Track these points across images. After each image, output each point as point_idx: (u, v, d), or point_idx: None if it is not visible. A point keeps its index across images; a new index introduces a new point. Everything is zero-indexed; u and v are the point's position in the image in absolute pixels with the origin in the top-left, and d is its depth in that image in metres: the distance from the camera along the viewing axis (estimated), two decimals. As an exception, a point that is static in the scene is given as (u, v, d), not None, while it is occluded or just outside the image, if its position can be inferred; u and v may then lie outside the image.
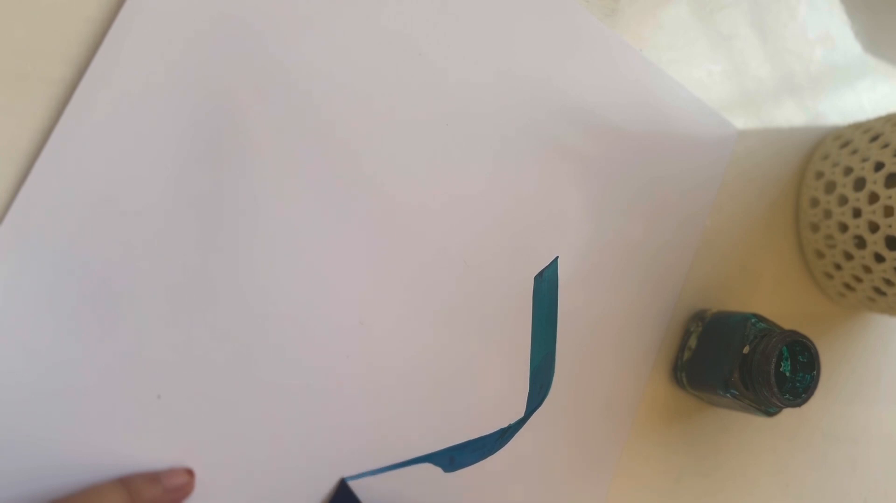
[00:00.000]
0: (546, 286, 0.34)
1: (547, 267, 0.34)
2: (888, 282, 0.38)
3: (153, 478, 0.25)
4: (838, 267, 0.41)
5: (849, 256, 0.40)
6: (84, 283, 0.24)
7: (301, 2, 0.27)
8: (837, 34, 0.44)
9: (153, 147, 0.25)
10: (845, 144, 0.41)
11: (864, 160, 0.38)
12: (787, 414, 0.42)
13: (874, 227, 0.37)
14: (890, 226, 0.36)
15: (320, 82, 0.27)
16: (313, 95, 0.27)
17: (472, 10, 0.30)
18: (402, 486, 0.31)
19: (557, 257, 0.34)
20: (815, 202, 0.42)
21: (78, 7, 0.24)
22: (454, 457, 0.29)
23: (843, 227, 0.39)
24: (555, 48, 0.33)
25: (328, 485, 0.30)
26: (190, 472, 0.26)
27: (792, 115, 0.42)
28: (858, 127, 0.41)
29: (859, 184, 0.38)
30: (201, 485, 0.27)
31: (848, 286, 0.42)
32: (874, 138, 0.39)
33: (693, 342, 0.38)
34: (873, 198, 0.37)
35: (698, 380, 0.38)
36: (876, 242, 0.37)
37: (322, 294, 0.28)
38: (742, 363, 0.35)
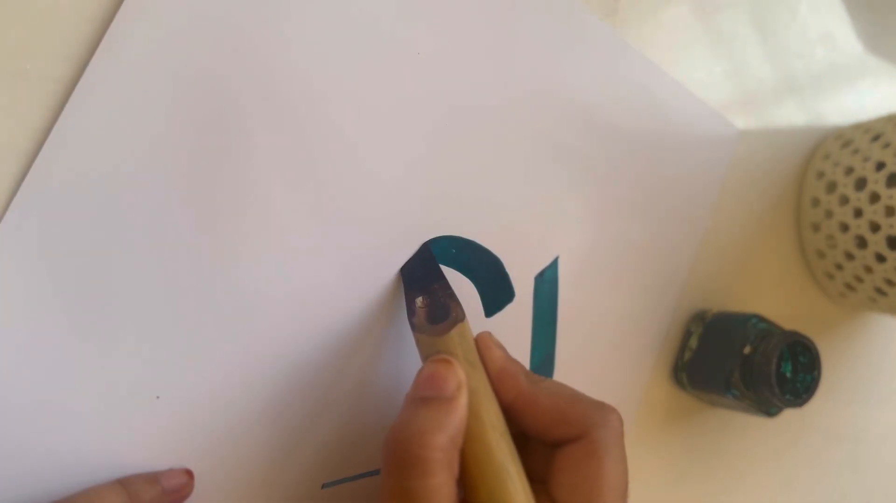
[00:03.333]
0: (546, 286, 0.34)
1: (547, 267, 0.34)
2: (889, 282, 0.38)
3: (152, 478, 0.25)
4: (839, 267, 0.41)
5: (850, 256, 0.40)
6: (83, 283, 0.24)
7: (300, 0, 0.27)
8: (838, 34, 0.44)
9: (152, 145, 0.25)
10: (846, 144, 0.41)
11: (866, 160, 0.38)
12: (788, 414, 0.42)
13: (875, 227, 0.37)
14: (891, 226, 0.36)
15: (320, 80, 0.27)
16: (313, 93, 0.27)
17: (470, 8, 0.30)
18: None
19: (557, 257, 0.34)
20: (816, 202, 0.41)
21: (77, 6, 0.24)
22: None
23: (844, 227, 0.39)
24: (555, 47, 0.33)
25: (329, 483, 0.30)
26: (189, 473, 0.26)
27: (793, 114, 0.42)
28: (859, 127, 0.41)
29: (860, 184, 0.38)
30: (200, 485, 0.27)
31: (849, 286, 0.42)
32: (875, 138, 0.39)
33: (694, 342, 0.38)
34: (874, 197, 0.37)
35: (699, 381, 0.38)
36: (877, 242, 0.37)
37: (323, 294, 0.28)
38: (743, 363, 0.35)
